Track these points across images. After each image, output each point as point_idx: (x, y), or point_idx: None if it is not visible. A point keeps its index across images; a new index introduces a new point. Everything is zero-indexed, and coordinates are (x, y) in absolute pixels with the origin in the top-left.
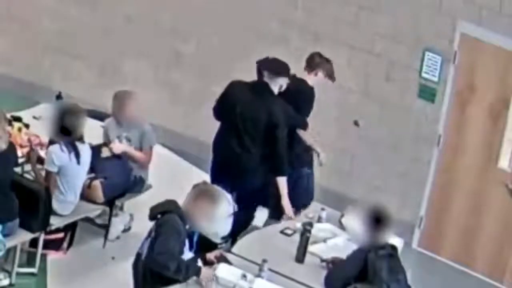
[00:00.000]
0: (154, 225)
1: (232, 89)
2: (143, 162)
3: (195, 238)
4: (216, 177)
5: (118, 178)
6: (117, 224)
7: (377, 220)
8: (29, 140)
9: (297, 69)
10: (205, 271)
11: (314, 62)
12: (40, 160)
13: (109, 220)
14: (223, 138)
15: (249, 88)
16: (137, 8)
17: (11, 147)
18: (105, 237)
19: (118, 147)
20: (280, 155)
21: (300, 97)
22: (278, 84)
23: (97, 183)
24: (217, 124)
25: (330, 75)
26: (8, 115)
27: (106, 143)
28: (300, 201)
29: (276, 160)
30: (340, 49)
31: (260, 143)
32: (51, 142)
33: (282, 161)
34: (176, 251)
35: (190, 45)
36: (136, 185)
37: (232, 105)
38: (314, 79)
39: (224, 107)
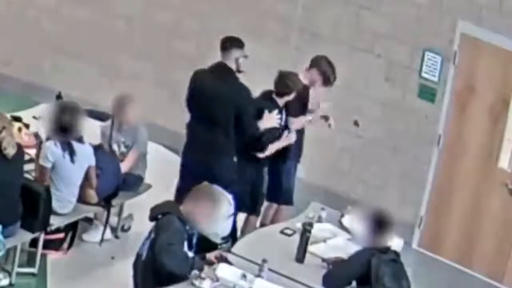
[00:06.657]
0: (153, 226)
1: (197, 78)
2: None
3: (194, 239)
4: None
5: (109, 174)
6: (93, 233)
7: (379, 223)
8: (36, 136)
9: (297, 69)
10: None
11: (317, 62)
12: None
13: (106, 221)
14: (193, 127)
15: (211, 73)
16: (137, 8)
17: (20, 151)
18: (102, 236)
19: None
20: (251, 136)
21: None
22: (232, 58)
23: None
24: None
25: (325, 82)
26: (8, 115)
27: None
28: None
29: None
30: (340, 49)
31: (230, 128)
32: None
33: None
34: (176, 248)
35: (190, 45)
36: (134, 184)
37: (200, 94)
38: (308, 77)
39: (193, 98)
